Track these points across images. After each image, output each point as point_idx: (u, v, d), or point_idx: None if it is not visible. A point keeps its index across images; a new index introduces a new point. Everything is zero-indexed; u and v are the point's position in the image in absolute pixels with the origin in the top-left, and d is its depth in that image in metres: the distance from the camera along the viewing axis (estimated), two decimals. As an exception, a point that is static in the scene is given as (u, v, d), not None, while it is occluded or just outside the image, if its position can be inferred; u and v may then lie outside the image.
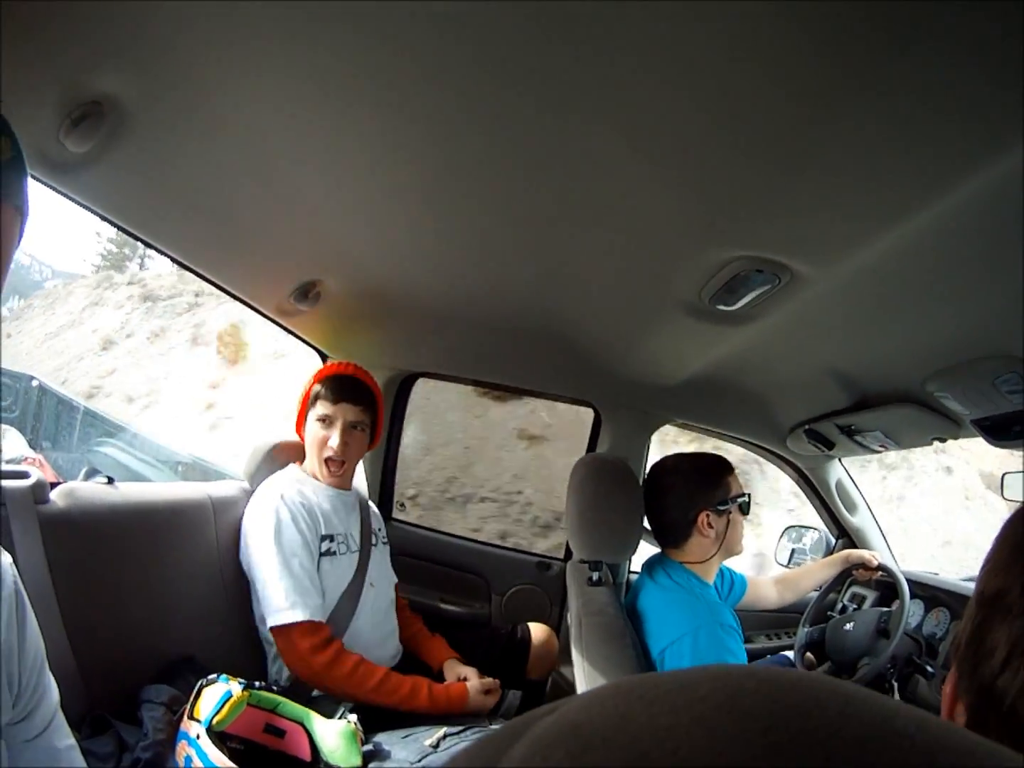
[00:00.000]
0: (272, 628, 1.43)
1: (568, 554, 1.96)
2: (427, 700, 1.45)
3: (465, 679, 1.57)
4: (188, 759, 1.11)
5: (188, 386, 10.67)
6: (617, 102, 0.68)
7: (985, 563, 0.44)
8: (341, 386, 1.58)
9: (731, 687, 0.17)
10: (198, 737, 1.11)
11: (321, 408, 1.56)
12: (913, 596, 1.60)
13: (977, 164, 0.62)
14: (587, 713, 0.18)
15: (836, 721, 0.16)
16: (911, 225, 0.74)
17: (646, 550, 1.50)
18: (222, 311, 11.60)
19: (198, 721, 1.13)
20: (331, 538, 1.55)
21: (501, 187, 0.94)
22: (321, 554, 1.51)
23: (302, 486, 1.57)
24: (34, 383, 6.81)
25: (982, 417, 1.18)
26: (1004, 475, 1.67)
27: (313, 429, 1.58)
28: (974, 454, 8.04)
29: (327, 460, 1.57)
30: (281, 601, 1.41)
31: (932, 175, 0.66)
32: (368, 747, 1.29)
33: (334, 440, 1.55)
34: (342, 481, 1.62)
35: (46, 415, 6.70)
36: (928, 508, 7.74)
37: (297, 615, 1.40)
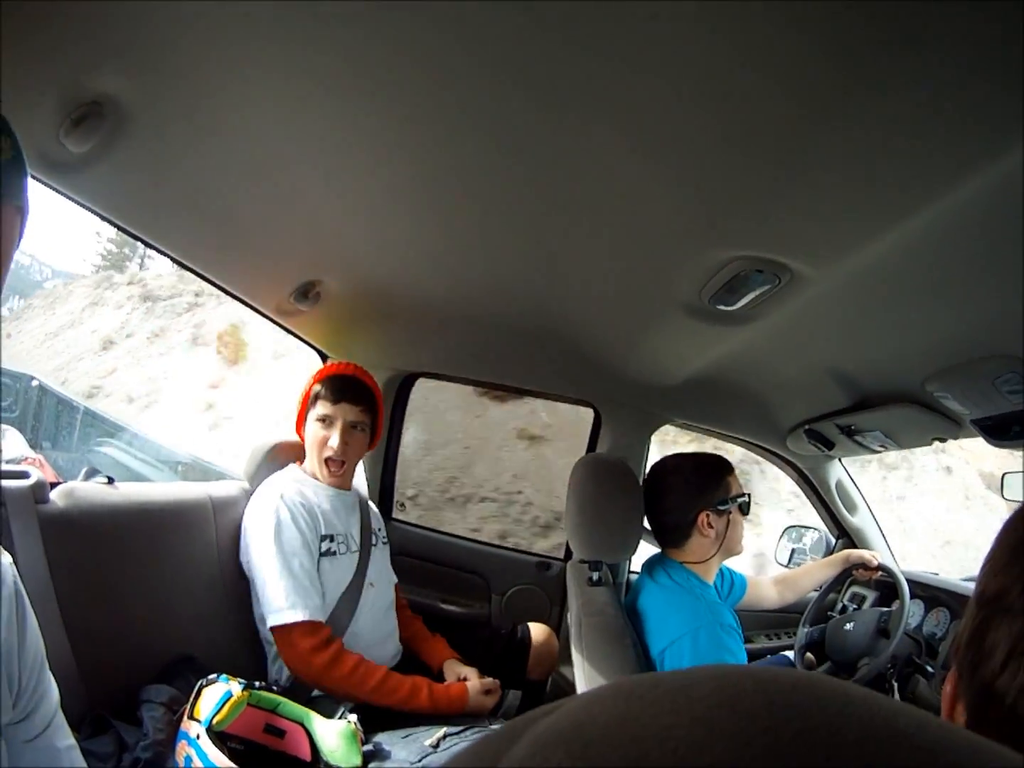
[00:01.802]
0: (272, 628, 1.42)
1: (568, 554, 1.96)
2: (427, 700, 1.44)
3: (465, 679, 1.57)
4: (188, 759, 1.11)
5: (188, 386, 10.69)
6: (618, 103, 0.68)
7: (985, 563, 0.44)
8: (341, 386, 1.58)
9: (731, 687, 0.17)
10: (198, 737, 1.11)
11: (321, 408, 1.56)
12: (913, 596, 1.59)
13: (977, 165, 0.62)
14: (587, 713, 0.18)
15: (836, 721, 0.16)
16: (911, 225, 0.74)
17: (646, 550, 1.50)
18: (222, 311, 11.63)
19: (198, 721, 1.13)
20: (331, 538, 1.55)
21: (502, 187, 0.94)
22: (321, 554, 1.51)
23: (302, 486, 1.57)
24: (34, 383, 6.83)
25: (982, 417, 1.18)
26: (1004, 475, 1.66)
27: (313, 429, 1.58)
28: (974, 454, 8.03)
29: (327, 460, 1.57)
30: (281, 601, 1.41)
31: (932, 176, 0.66)
32: (368, 747, 1.29)
33: (334, 440, 1.55)
34: (342, 481, 1.62)
35: (46, 415, 6.71)
36: (928, 508, 7.75)
37: (297, 615, 1.40)
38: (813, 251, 0.87)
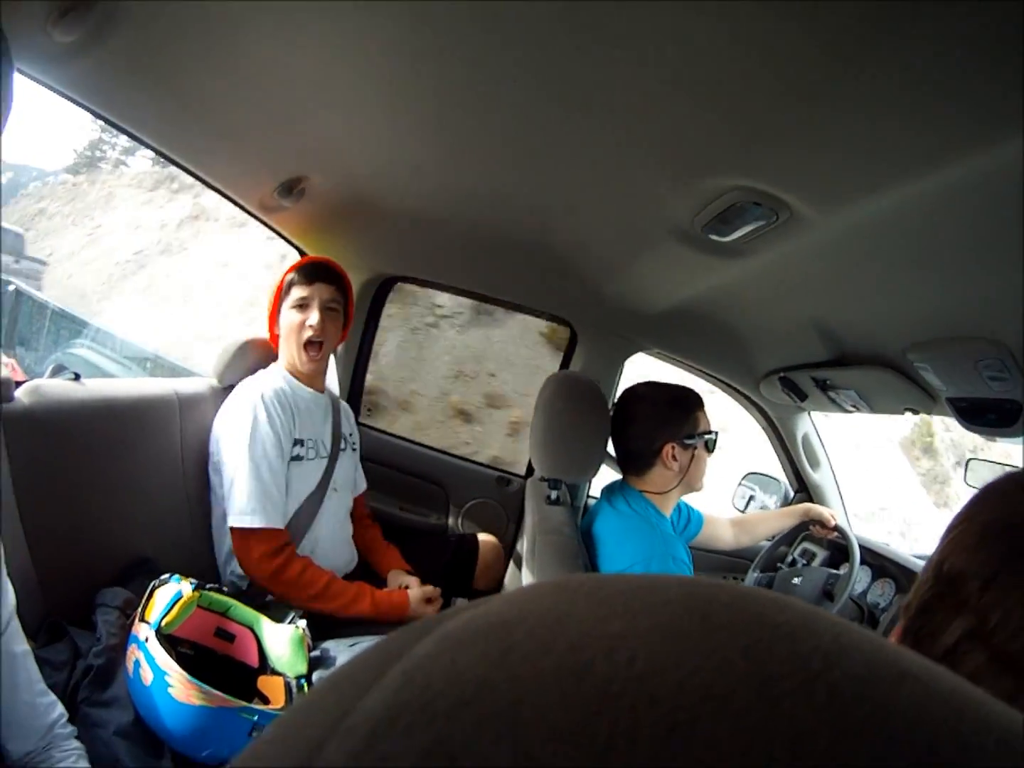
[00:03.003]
0: (231, 527, 1.44)
1: (530, 471, 1.98)
2: (370, 606, 1.49)
3: (407, 587, 1.61)
4: (137, 663, 1.09)
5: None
6: (628, 15, 0.64)
7: (949, 531, 0.43)
8: (315, 268, 1.58)
9: (702, 595, 0.14)
10: (147, 640, 1.09)
11: (296, 292, 1.56)
12: (862, 563, 1.61)
13: (985, 141, 0.61)
14: (517, 609, 0.14)
15: (831, 648, 0.13)
16: (918, 189, 0.72)
17: (608, 477, 1.51)
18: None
19: (148, 623, 1.12)
20: (301, 443, 1.55)
21: (499, 93, 0.89)
22: (291, 459, 1.52)
23: (282, 385, 1.56)
24: (11, 287, 6.80)
25: (958, 396, 1.17)
26: (969, 460, 1.69)
27: (289, 316, 1.57)
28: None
29: (307, 343, 1.56)
30: (243, 503, 1.43)
31: (942, 142, 0.64)
32: (315, 653, 1.32)
33: (313, 319, 1.54)
34: (318, 372, 1.63)
35: (20, 318, 6.64)
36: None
37: (256, 520, 1.42)
38: (815, 192, 0.85)
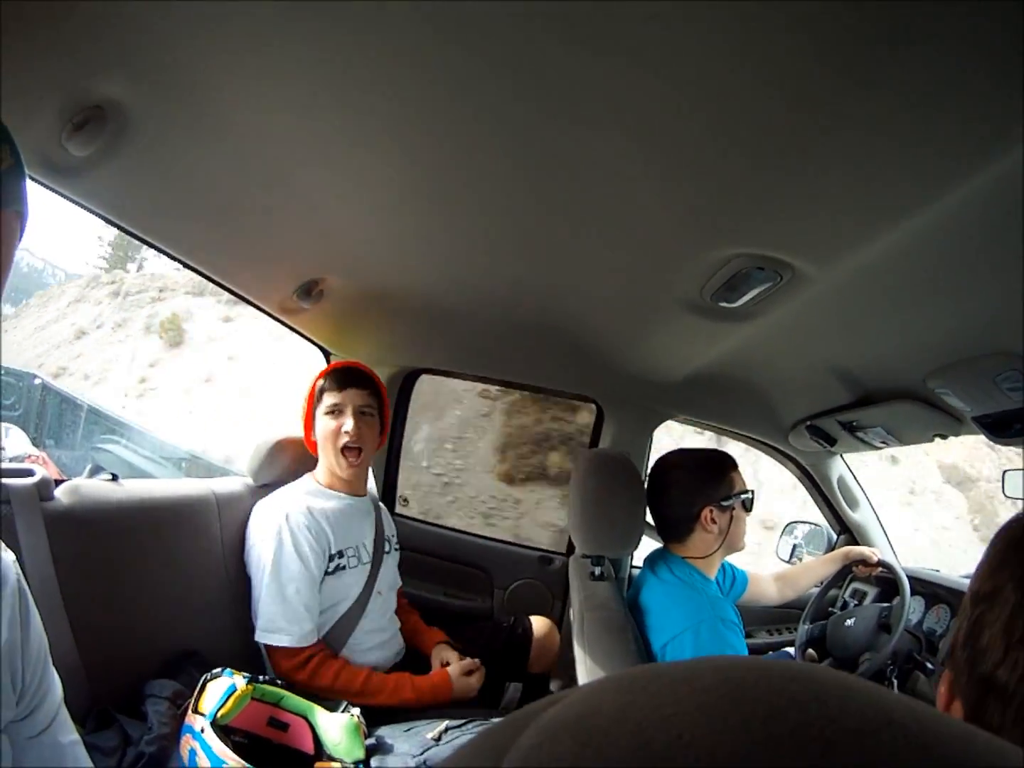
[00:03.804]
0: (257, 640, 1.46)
1: (571, 549, 1.96)
2: (411, 692, 1.47)
3: (447, 664, 1.59)
4: (192, 752, 1.11)
5: (132, 365, 13.10)
6: (619, 103, 0.68)
7: (980, 564, 0.45)
8: (345, 374, 1.58)
9: (734, 678, 0.17)
10: (202, 731, 1.11)
11: (329, 399, 1.56)
12: (913, 593, 1.59)
13: (976, 164, 0.62)
14: (591, 703, 0.18)
15: (835, 712, 0.16)
16: (912, 223, 0.74)
17: (649, 546, 1.50)
18: (174, 304, 13.49)
19: (202, 715, 1.14)
20: (341, 554, 1.54)
21: (504, 187, 0.94)
22: (328, 573, 1.51)
23: (313, 499, 1.55)
24: (36, 381, 6.84)
25: (983, 414, 1.17)
26: (1005, 472, 1.65)
27: (324, 423, 1.56)
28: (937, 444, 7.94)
29: (344, 449, 1.54)
30: (267, 622, 1.44)
31: (932, 174, 0.66)
32: (371, 740, 1.30)
33: (348, 425, 1.53)
34: (359, 475, 1.62)
35: (49, 413, 6.71)
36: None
37: (281, 640, 1.43)
38: (814, 249, 0.87)
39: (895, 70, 0.54)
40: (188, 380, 12.37)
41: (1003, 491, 1.66)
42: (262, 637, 1.44)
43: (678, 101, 0.65)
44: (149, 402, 11.85)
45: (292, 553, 1.46)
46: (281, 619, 1.43)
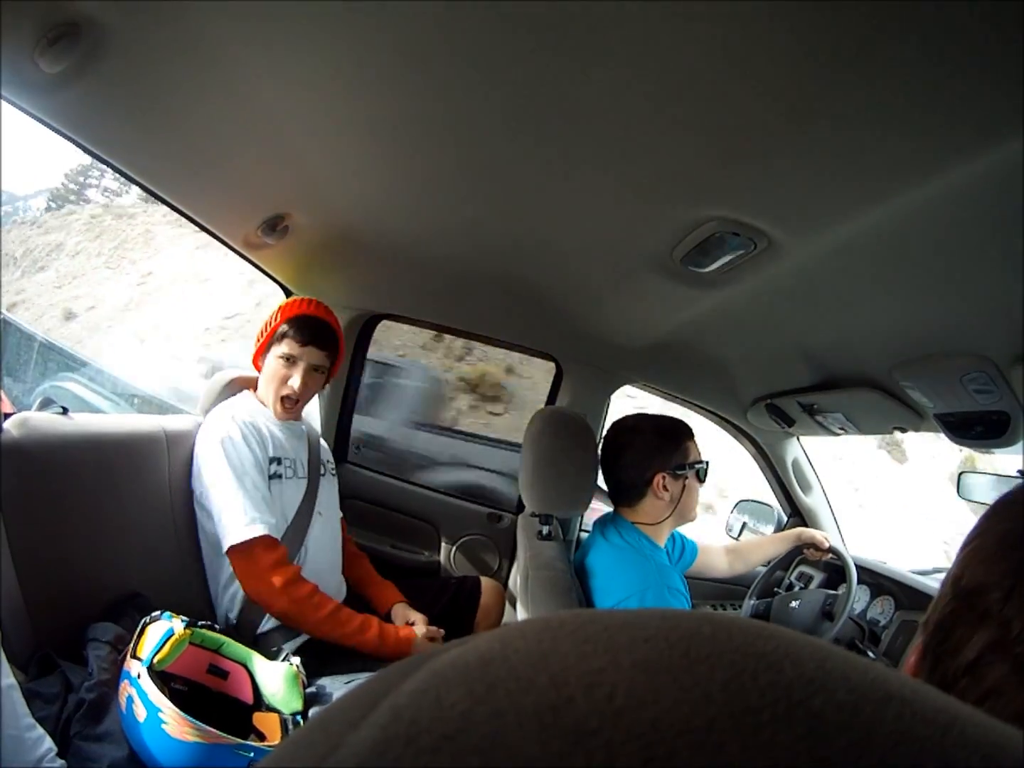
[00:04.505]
0: (232, 548, 1.41)
1: (520, 507, 1.97)
2: (376, 637, 1.46)
3: (413, 624, 1.59)
4: (130, 699, 1.07)
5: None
6: (604, 45, 0.65)
7: (965, 545, 0.42)
8: (310, 330, 1.57)
9: (685, 629, 0.14)
10: (139, 676, 1.08)
11: (287, 347, 1.55)
12: (860, 582, 1.61)
13: (962, 156, 0.62)
14: (501, 647, 0.15)
15: (815, 676, 0.13)
16: (895, 208, 0.73)
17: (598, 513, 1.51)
18: None
19: (140, 660, 1.10)
20: (279, 461, 1.55)
21: (475, 128, 0.90)
22: (270, 476, 1.51)
23: (253, 409, 1.57)
24: None
25: (946, 412, 1.18)
26: (961, 473, 1.64)
27: (275, 365, 1.56)
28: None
29: (283, 398, 1.57)
30: (240, 517, 1.40)
31: (918, 161, 0.65)
32: (310, 690, 1.29)
33: (295, 381, 1.55)
34: (294, 416, 1.64)
35: (6, 349, 6.51)
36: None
37: (258, 529, 1.40)
38: (793, 219, 0.86)
39: (893, 53, 0.54)
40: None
41: (957, 492, 1.65)
42: (238, 536, 1.39)
43: (670, 50, 0.62)
44: (105, 338, 11.51)
45: (242, 444, 1.47)
46: (252, 510, 1.41)
